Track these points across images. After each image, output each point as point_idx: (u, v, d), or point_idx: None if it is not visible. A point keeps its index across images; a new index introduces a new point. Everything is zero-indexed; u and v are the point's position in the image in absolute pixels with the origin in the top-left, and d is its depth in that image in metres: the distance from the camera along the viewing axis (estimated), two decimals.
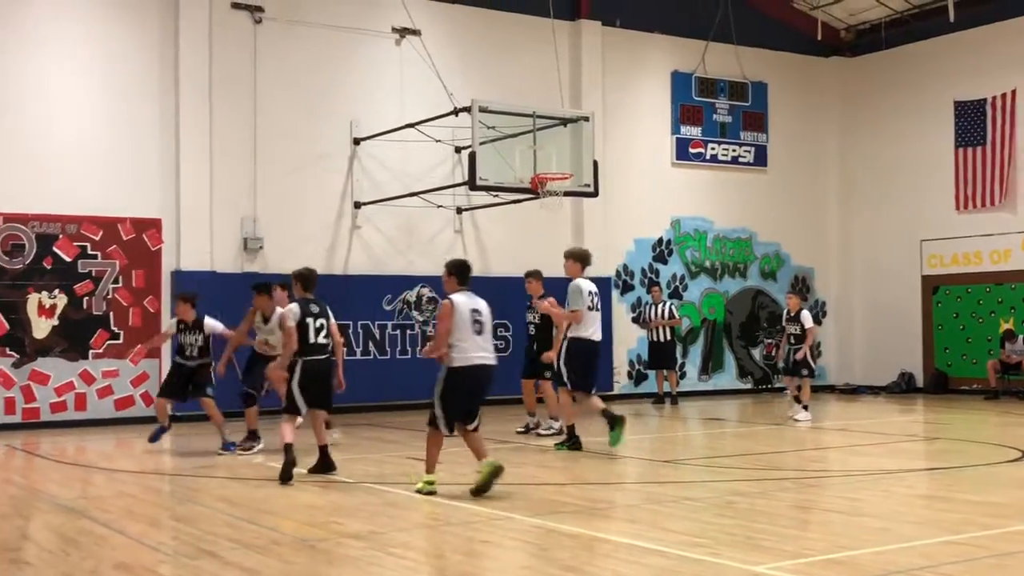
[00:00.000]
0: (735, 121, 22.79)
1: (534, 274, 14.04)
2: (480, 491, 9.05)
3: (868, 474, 10.55)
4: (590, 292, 12.23)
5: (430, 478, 9.31)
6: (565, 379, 12.28)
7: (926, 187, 22.28)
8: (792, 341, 16.34)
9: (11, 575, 6.66)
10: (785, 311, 16.72)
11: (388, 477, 10.49)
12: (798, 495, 9.37)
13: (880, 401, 20.75)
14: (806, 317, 16.31)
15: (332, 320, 10.67)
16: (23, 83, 16.43)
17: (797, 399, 16.31)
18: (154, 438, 13.00)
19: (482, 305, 9.41)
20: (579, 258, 12.53)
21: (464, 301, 9.29)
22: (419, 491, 9.26)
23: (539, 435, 13.88)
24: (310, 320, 10.30)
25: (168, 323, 13.76)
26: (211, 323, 12.97)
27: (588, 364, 12.33)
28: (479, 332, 9.23)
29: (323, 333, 10.41)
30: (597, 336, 12.36)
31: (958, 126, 21.75)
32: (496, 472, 9.09)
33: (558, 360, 12.33)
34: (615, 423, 12.05)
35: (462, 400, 9.25)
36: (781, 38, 23.32)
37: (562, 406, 12.57)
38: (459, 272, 9.50)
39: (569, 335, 12.23)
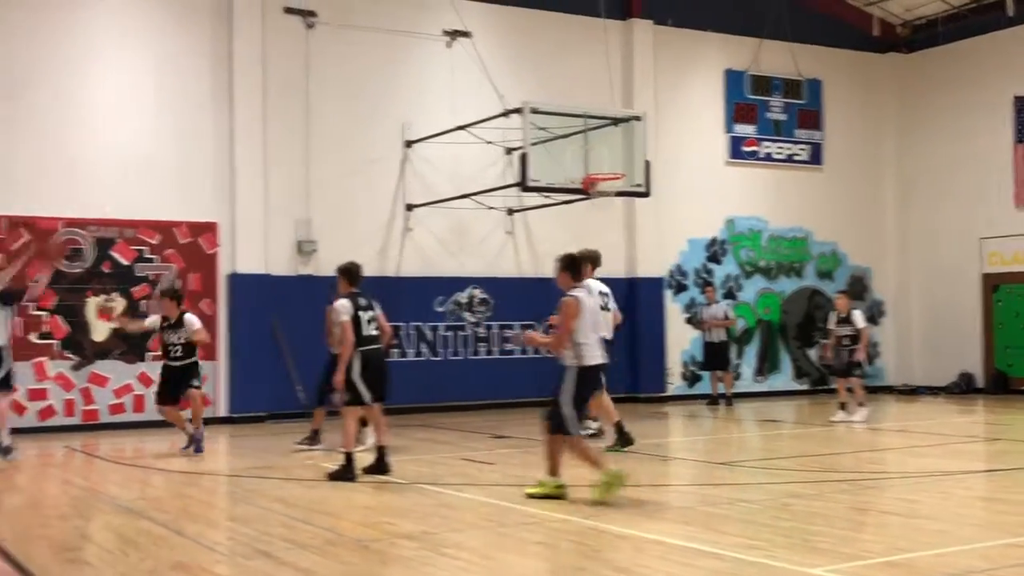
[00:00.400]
0: (790, 119, 22.58)
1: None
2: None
3: (927, 476, 10.39)
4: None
5: (559, 481, 8.93)
6: None
7: (985, 184, 21.92)
8: (846, 343, 16.09)
9: (71, 575, 6.76)
10: (835, 313, 16.45)
11: (441, 478, 10.51)
12: (855, 497, 9.25)
13: (939, 402, 20.44)
14: (858, 317, 16.08)
15: (380, 310, 10.89)
16: (79, 90, 16.68)
17: (843, 406, 16.08)
18: (193, 446, 12.97)
19: (596, 300, 9.21)
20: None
21: (587, 298, 9.01)
22: (535, 495, 8.92)
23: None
24: (361, 313, 10.53)
25: (152, 319, 13.57)
26: (192, 320, 13.10)
27: None
28: (596, 330, 9.02)
29: (374, 324, 10.61)
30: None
31: (1018, 122, 21.38)
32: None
33: None
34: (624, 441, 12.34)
35: (587, 399, 9.02)
36: (836, 34, 23.07)
37: (604, 409, 12.56)
38: (572, 267, 9.16)
39: None
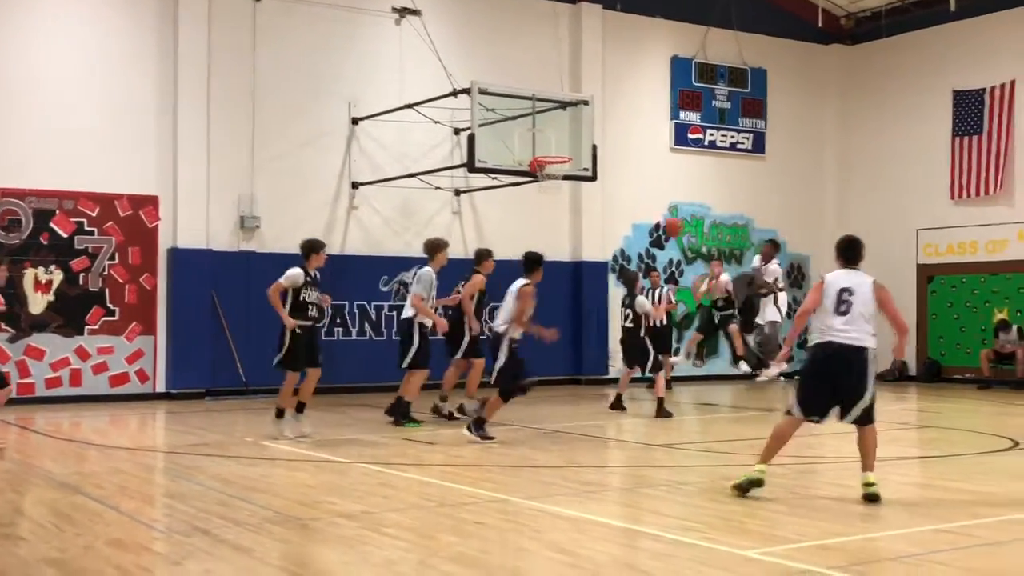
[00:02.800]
0: (734, 107, 22.76)
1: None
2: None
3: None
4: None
5: (760, 467, 8.46)
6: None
7: (923, 176, 22.27)
8: None
9: (5, 549, 6.68)
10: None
11: (382, 457, 10.52)
12: (790, 481, 9.40)
13: None
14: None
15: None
16: (21, 59, 16.37)
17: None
18: None
19: (858, 283, 8.95)
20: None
21: (836, 278, 8.94)
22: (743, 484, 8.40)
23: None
24: None
25: None
26: None
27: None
28: (842, 312, 8.77)
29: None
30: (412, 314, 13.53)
31: (956, 115, 21.72)
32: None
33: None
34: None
35: (817, 383, 8.71)
36: (781, 25, 23.27)
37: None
38: (837, 250, 9.26)
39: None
